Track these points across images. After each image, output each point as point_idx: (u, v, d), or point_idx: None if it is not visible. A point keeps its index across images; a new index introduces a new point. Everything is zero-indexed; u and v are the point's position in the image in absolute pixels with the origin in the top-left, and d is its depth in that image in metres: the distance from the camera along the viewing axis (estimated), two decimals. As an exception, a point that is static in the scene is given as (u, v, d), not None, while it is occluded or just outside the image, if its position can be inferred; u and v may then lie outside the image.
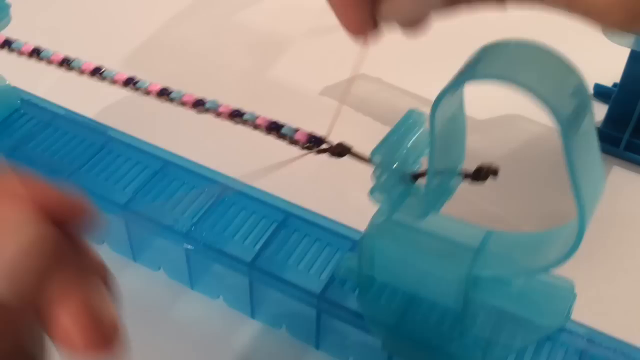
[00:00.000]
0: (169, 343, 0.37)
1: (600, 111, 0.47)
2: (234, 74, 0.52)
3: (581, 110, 0.22)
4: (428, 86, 0.41)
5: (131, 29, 0.56)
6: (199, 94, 0.50)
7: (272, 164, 0.31)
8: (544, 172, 0.45)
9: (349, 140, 0.45)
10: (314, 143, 0.26)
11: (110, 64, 0.52)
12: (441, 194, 0.25)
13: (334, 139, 0.28)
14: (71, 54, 0.45)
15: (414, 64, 0.52)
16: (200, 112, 0.30)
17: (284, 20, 0.56)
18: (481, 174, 0.25)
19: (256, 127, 0.28)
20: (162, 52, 0.54)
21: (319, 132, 0.48)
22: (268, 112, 0.49)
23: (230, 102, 0.50)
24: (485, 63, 0.21)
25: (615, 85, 0.48)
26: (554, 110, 0.20)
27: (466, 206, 0.32)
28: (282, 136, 0.27)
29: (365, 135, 0.47)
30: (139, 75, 0.52)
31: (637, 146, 0.44)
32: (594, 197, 0.23)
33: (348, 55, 0.53)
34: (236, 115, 0.28)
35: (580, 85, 0.22)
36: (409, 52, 0.53)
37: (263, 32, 0.55)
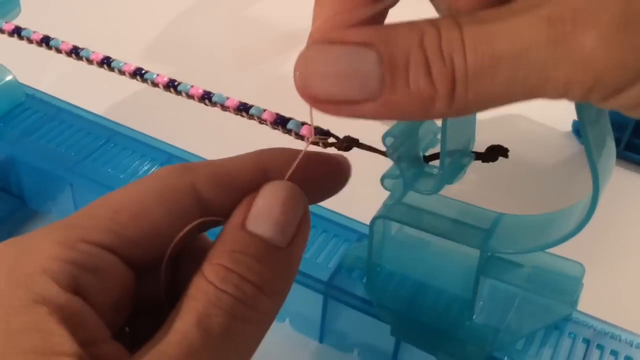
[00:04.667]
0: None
1: (600, 111, 0.47)
2: (246, 68, 0.52)
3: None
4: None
5: (142, 24, 0.56)
6: (211, 89, 0.50)
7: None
8: (544, 172, 0.45)
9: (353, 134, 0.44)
10: (319, 137, 0.26)
11: (121, 59, 0.53)
12: (453, 171, 0.26)
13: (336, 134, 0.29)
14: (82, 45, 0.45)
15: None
16: (207, 105, 0.30)
17: (298, 13, 0.56)
18: (492, 154, 0.26)
19: (262, 121, 0.28)
20: (174, 47, 0.54)
21: (332, 126, 0.48)
22: (281, 107, 0.49)
23: (244, 96, 0.50)
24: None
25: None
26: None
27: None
28: (288, 131, 0.27)
29: (365, 133, 0.47)
30: (150, 70, 0.52)
31: (637, 146, 0.45)
32: (607, 161, 0.23)
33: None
34: (243, 109, 0.29)
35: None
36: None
37: (276, 25, 0.55)
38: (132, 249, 0.22)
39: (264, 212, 0.23)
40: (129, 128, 0.40)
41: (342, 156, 0.26)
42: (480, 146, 0.47)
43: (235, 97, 0.52)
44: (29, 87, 0.43)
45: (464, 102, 0.20)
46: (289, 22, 0.56)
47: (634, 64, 0.18)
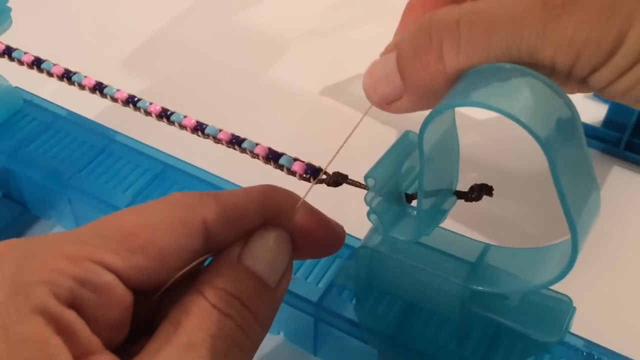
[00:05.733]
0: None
1: (600, 111, 0.46)
2: (234, 75, 0.52)
3: (570, 133, 0.22)
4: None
5: (131, 29, 0.56)
6: (199, 94, 0.50)
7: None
8: (544, 172, 0.44)
9: (348, 142, 0.44)
10: (311, 174, 0.26)
11: (111, 64, 0.53)
12: (434, 215, 0.25)
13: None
14: (73, 54, 0.45)
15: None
16: (199, 136, 0.30)
17: (285, 21, 0.55)
18: (474, 193, 0.25)
19: (255, 155, 0.28)
20: (163, 53, 0.54)
21: (318, 133, 0.48)
22: (268, 113, 0.49)
23: (231, 103, 0.50)
24: (469, 90, 0.21)
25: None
26: (539, 138, 0.20)
27: (466, 206, 0.32)
28: (279, 166, 0.28)
29: (365, 137, 0.47)
30: (139, 75, 0.52)
31: (637, 146, 0.44)
32: (588, 218, 0.22)
33: (348, 56, 0.53)
34: (235, 142, 0.29)
35: (566, 108, 0.21)
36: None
37: (263, 32, 0.55)
38: (135, 273, 0.23)
39: (260, 252, 0.24)
40: (125, 135, 0.40)
41: (339, 225, 0.27)
42: (480, 146, 0.46)
43: (222, 103, 0.51)
44: (26, 92, 0.43)
45: (457, 75, 0.23)
46: (277, 30, 0.55)
47: (607, 45, 0.21)
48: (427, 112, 0.23)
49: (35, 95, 0.43)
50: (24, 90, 0.43)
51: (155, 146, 0.40)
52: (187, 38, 0.55)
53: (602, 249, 0.40)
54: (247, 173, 0.37)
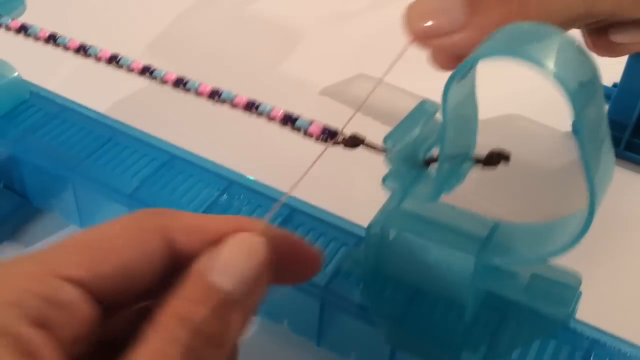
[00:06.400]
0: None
1: (599, 111, 0.47)
2: (246, 66, 0.52)
3: (593, 92, 0.22)
4: (428, 86, 0.41)
5: (144, 22, 0.56)
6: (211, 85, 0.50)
7: (278, 158, 0.31)
8: (544, 173, 0.45)
9: (361, 116, 0.44)
10: (327, 136, 0.26)
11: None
12: (452, 178, 0.26)
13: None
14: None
15: (414, 64, 0.52)
16: (215, 102, 0.30)
17: (298, 11, 0.56)
18: (493, 159, 0.26)
19: (271, 119, 0.28)
20: (174, 45, 0.54)
21: (333, 123, 0.48)
22: (281, 104, 0.49)
23: (244, 94, 0.50)
24: (502, 43, 0.22)
25: (615, 85, 0.47)
26: (568, 89, 0.20)
27: (466, 206, 0.33)
28: (296, 129, 0.28)
29: (378, 112, 0.47)
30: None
31: (637, 146, 0.44)
32: (604, 178, 0.23)
33: (363, 46, 0.53)
34: (251, 107, 0.29)
35: (593, 71, 0.22)
36: (409, 52, 0.52)
37: (276, 23, 0.55)
38: (100, 282, 0.23)
39: (227, 264, 0.23)
40: (131, 127, 0.40)
41: (318, 250, 0.26)
42: (480, 147, 0.47)
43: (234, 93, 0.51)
44: (33, 84, 0.43)
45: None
46: (290, 20, 0.56)
47: None
48: (437, 91, 0.24)
49: (42, 87, 0.43)
50: (30, 83, 0.43)
51: (159, 137, 0.40)
52: (199, 30, 0.55)
53: (602, 248, 0.40)
54: (251, 164, 0.37)
